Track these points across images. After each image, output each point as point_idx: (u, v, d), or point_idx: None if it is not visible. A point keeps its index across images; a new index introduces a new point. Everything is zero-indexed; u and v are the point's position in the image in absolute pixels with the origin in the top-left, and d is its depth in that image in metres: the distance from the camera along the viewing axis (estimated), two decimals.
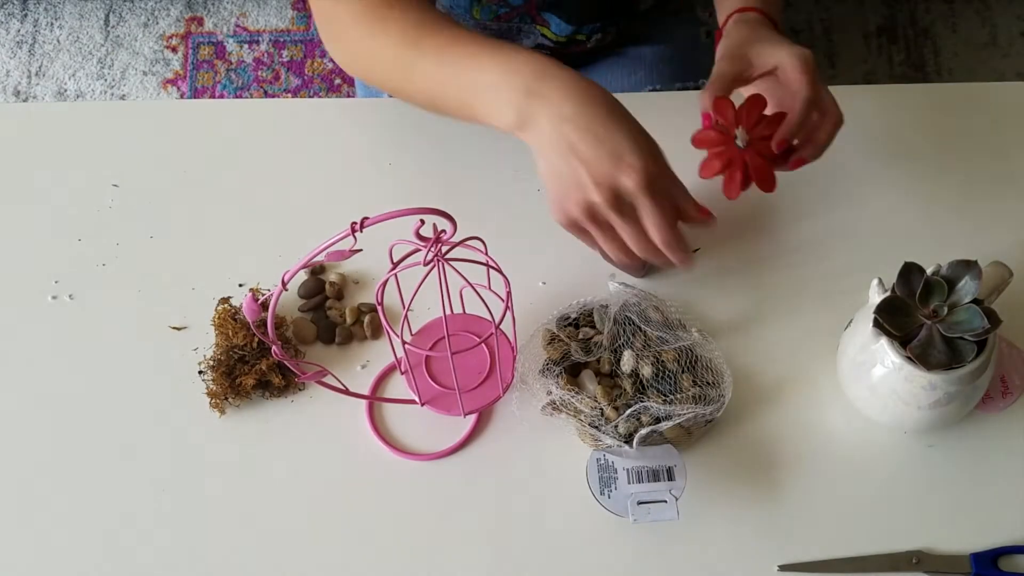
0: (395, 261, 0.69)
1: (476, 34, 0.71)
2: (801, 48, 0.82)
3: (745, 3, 0.89)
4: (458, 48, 0.69)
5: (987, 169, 0.93)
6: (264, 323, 0.70)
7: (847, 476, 0.80)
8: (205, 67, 1.85)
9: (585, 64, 1.15)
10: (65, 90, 1.82)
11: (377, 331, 0.87)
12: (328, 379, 0.77)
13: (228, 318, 0.84)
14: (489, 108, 0.68)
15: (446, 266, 0.67)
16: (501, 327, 0.76)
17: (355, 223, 0.61)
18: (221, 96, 1.81)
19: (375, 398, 0.83)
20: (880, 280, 0.75)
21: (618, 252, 0.74)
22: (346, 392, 0.77)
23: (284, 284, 0.63)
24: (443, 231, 0.66)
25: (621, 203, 0.68)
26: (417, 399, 0.80)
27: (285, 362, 0.70)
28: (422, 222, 0.63)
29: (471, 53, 0.68)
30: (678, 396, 0.79)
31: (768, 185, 0.80)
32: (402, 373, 0.82)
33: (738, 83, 0.83)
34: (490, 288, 0.76)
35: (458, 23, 0.74)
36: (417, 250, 0.67)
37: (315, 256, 0.61)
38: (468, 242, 0.68)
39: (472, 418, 0.82)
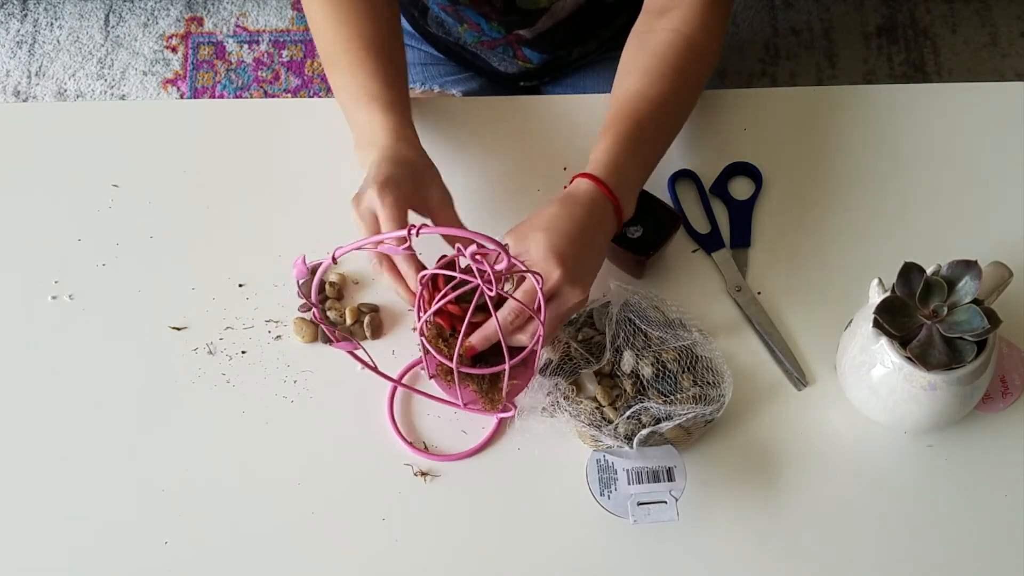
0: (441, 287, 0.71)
1: (382, 74, 0.84)
2: (554, 269, 0.73)
3: (593, 168, 0.79)
4: (360, 81, 0.84)
5: (987, 169, 0.93)
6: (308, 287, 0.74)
7: (847, 476, 0.80)
8: (205, 67, 1.84)
9: (576, 72, 1.15)
10: (65, 90, 1.82)
11: (377, 331, 0.87)
12: (356, 357, 0.76)
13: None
14: (353, 135, 0.85)
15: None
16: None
17: (412, 226, 0.65)
18: (221, 96, 1.81)
19: (400, 383, 0.82)
20: (880, 280, 0.75)
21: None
22: (375, 371, 0.76)
23: (334, 259, 0.67)
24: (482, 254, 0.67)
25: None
26: (459, 404, 0.79)
27: (323, 327, 0.73)
28: (477, 246, 0.65)
29: (362, 93, 0.83)
30: (678, 396, 0.79)
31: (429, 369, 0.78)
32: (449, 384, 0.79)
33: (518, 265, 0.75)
34: (512, 293, 0.75)
35: (388, 51, 0.86)
36: (465, 281, 0.68)
37: (369, 243, 0.67)
38: (491, 249, 0.67)
39: (491, 426, 0.82)
